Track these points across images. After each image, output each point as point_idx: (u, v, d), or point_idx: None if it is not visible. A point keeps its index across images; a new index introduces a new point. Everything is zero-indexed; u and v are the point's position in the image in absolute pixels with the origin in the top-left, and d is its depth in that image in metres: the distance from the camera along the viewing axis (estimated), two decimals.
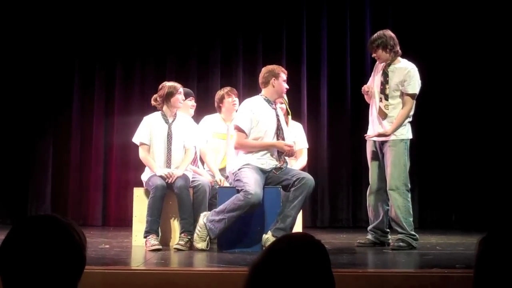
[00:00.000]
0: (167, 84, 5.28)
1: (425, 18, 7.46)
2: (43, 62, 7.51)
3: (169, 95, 5.20)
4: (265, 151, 4.86)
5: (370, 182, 5.11)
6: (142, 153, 5.23)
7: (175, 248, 4.79)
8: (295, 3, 7.74)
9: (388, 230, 5.10)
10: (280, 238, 1.64)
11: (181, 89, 5.24)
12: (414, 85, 4.89)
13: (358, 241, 5.19)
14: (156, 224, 4.92)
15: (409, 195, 4.91)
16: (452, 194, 7.42)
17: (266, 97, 4.97)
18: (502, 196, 7.04)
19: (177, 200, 4.98)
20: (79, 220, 7.16)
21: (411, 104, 4.91)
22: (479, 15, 7.39)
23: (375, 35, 5.07)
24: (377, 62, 5.10)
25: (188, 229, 4.85)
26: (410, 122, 5.00)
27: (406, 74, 4.88)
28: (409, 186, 4.92)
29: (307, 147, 5.80)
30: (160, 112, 5.26)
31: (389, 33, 5.04)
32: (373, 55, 5.04)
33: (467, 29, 7.42)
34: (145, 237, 4.88)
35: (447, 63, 7.38)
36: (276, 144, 4.87)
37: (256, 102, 4.94)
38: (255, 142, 4.86)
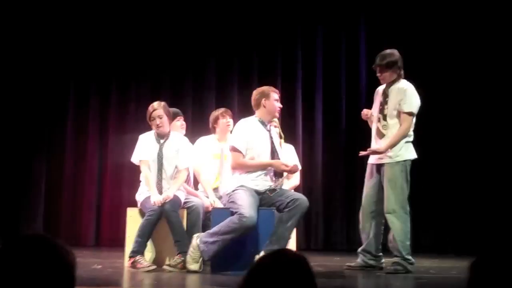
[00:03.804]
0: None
1: (420, 41, 7.50)
2: (38, 81, 7.50)
3: (147, 117, 5.21)
4: (260, 173, 4.83)
5: (362, 203, 5.06)
6: (143, 172, 5.16)
7: (164, 268, 4.79)
8: (290, 24, 7.79)
9: (380, 254, 5.03)
10: (266, 254, 1.65)
11: (156, 111, 5.11)
12: (411, 103, 4.83)
13: (347, 264, 5.14)
14: (144, 246, 4.90)
15: (408, 218, 4.86)
16: (446, 218, 7.41)
17: (260, 118, 4.97)
18: (495, 219, 7.04)
19: (167, 224, 4.93)
20: (71, 239, 7.10)
21: (407, 123, 4.83)
22: (473, 32, 7.46)
23: (386, 53, 4.95)
24: (378, 87, 5.08)
25: (183, 249, 4.80)
26: (412, 142, 4.94)
27: (403, 93, 4.84)
28: (408, 209, 4.87)
29: (300, 168, 5.79)
30: (154, 131, 5.24)
31: (398, 53, 4.96)
32: (378, 74, 4.95)
33: (462, 48, 7.47)
34: (131, 256, 4.85)
35: (440, 85, 7.41)
36: (273, 164, 4.85)
37: (250, 123, 4.94)
38: (253, 161, 4.83)
